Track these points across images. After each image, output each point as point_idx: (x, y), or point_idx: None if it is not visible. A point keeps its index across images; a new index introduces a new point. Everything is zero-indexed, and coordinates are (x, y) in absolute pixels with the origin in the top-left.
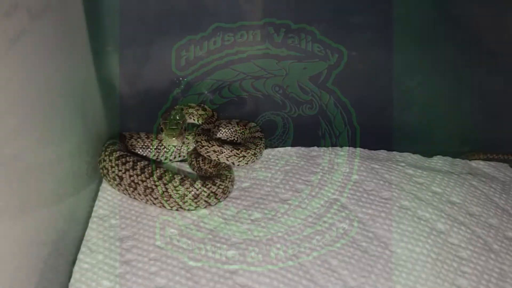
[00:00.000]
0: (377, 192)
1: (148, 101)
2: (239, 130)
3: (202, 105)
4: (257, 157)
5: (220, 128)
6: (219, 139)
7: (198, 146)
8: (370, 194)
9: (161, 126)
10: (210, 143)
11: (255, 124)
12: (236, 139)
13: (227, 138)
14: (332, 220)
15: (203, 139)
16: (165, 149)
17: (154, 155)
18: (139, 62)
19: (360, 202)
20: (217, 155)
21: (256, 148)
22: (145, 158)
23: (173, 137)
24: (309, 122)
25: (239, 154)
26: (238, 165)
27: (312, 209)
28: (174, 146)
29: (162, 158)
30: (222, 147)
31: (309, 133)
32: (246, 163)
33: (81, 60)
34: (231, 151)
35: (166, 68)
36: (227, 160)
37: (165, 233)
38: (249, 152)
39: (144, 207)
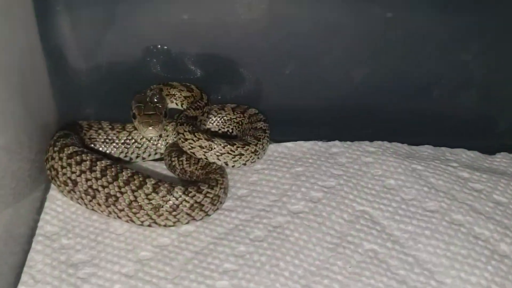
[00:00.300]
0: (419, 202)
1: (112, 78)
2: (235, 118)
3: (188, 84)
4: (259, 156)
5: (210, 115)
6: (208, 131)
7: (180, 139)
8: (410, 205)
9: (133, 111)
10: (195, 136)
11: (257, 111)
12: (231, 130)
13: (219, 130)
14: (359, 239)
15: (187, 130)
16: (136, 143)
17: (121, 152)
18: (99, 26)
19: (397, 216)
20: (205, 152)
21: (257, 143)
22: (108, 156)
23: (150, 125)
24: (331, 108)
25: (234, 152)
26: (233, 166)
27: (332, 224)
28: (150, 139)
29: (132, 156)
30: (212, 141)
31: (330, 123)
32: (244, 164)
33: (20, 23)
34: (223, 147)
35: (137, 32)
36: (218, 159)
37: (135, 257)
38: (248, 149)
39: (107, 222)
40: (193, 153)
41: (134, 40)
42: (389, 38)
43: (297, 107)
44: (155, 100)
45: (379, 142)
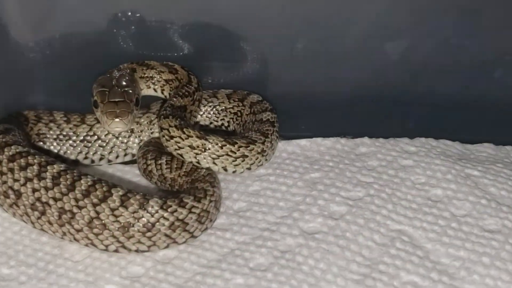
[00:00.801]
0: (475, 219)
1: (68, 56)
2: (232, 108)
3: (170, 64)
4: (267, 157)
5: (201, 105)
6: (197, 126)
7: (163, 137)
8: (462, 223)
9: (94, 98)
10: (184, 133)
11: (260, 98)
12: (226, 124)
13: (210, 123)
14: (395, 268)
15: (173, 124)
16: (99, 141)
17: (80, 153)
18: None
19: (445, 237)
20: (196, 154)
21: (265, 140)
22: (62, 158)
23: (116, 116)
24: (358, 95)
25: (235, 153)
26: (234, 171)
27: (359, 249)
28: (118, 135)
29: (94, 158)
30: (206, 139)
31: (357, 113)
32: (249, 168)
33: None
34: (221, 147)
35: None
36: (214, 163)
37: None
38: (253, 149)
39: (60, 245)
40: (181, 155)
41: (98, 4)
42: None
43: (312, 94)
44: (124, 83)
45: (422, 140)
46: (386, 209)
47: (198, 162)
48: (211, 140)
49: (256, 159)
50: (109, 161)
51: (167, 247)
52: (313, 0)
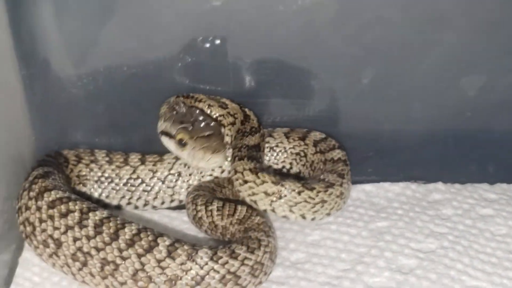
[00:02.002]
0: None
1: (112, 91)
2: (293, 148)
3: (218, 98)
4: (345, 200)
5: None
6: (270, 168)
7: (237, 180)
8: None
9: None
10: (259, 177)
11: (324, 136)
12: (288, 167)
13: (268, 167)
14: None
15: (249, 167)
16: (143, 184)
17: (123, 197)
18: (94, 17)
19: None
20: (272, 201)
21: (342, 182)
22: (103, 202)
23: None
24: (431, 135)
25: (314, 198)
26: (313, 219)
27: None
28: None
29: (138, 204)
30: (282, 185)
31: (430, 156)
32: (328, 214)
33: None
34: (298, 193)
35: (148, 26)
36: (291, 211)
37: None
38: (332, 193)
39: None
40: (255, 201)
41: (144, 36)
42: None
43: (380, 133)
44: (201, 117)
45: (504, 186)
46: (461, 263)
47: (273, 210)
48: (287, 186)
49: (335, 203)
50: (154, 207)
51: None
52: (381, 28)
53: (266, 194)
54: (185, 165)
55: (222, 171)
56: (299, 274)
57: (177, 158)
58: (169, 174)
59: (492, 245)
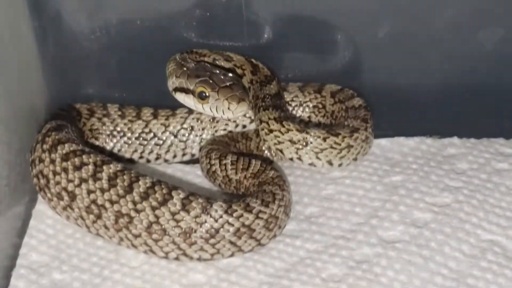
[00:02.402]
0: None
1: (125, 44)
2: (309, 101)
3: (222, 52)
4: (370, 145)
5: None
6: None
7: (263, 130)
8: None
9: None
10: (284, 125)
11: (340, 87)
12: (306, 120)
13: None
14: (485, 282)
15: (274, 117)
16: (156, 138)
17: (135, 151)
18: None
19: None
20: (297, 149)
21: (367, 126)
22: (115, 155)
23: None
24: (447, 89)
25: (340, 144)
26: (340, 164)
27: (445, 260)
28: (183, 132)
29: (150, 157)
30: (307, 132)
31: (446, 110)
32: (355, 159)
33: None
34: (324, 140)
35: None
36: (318, 157)
37: None
38: (357, 137)
39: (116, 250)
40: (281, 150)
41: None
42: None
43: (395, 87)
44: (216, 69)
45: None
46: (476, 217)
47: (299, 158)
48: (312, 133)
49: (361, 148)
50: (166, 160)
51: (232, 255)
52: None
53: (292, 142)
54: (197, 119)
55: (236, 126)
56: (313, 228)
57: (190, 113)
58: (182, 128)
59: (507, 199)
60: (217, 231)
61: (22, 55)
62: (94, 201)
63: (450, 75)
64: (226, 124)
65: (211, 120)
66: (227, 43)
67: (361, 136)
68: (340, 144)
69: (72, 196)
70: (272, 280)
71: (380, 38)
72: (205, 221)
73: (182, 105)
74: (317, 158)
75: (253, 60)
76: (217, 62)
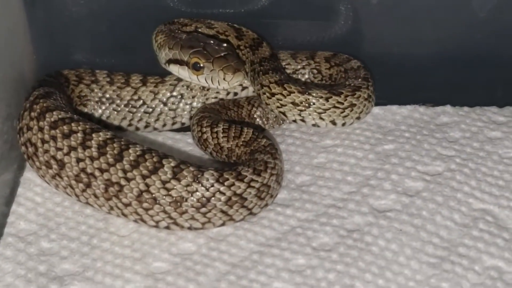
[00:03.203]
0: None
1: (114, 8)
2: (302, 68)
3: (202, 19)
4: (373, 103)
5: None
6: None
7: (264, 94)
8: None
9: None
10: (286, 88)
11: (332, 53)
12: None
13: None
14: (477, 251)
15: (275, 80)
16: (145, 106)
17: (124, 118)
18: None
19: None
20: (300, 111)
21: (368, 85)
22: (104, 122)
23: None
24: (439, 57)
25: (343, 103)
26: (344, 124)
27: (436, 229)
28: (172, 99)
29: (139, 125)
30: (309, 93)
31: (438, 78)
32: (358, 118)
33: None
34: (326, 100)
35: None
36: (321, 118)
37: (145, 269)
38: (360, 96)
39: (105, 218)
40: (283, 113)
41: None
42: None
43: (387, 55)
44: (209, 40)
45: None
46: (468, 186)
47: (303, 120)
48: (314, 94)
49: (364, 107)
50: (155, 129)
51: (223, 224)
52: None
53: (294, 104)
54: (187, 87)
55: (228, 94)
56: (304, 197)
57: (179, 80)
58: (171, 96)
59: (500, 167)
60: (208, 200)
61: (10, 21)
62: (83, 170)
63: (443, 44)
64: (217, 92)
65: (202, 88)
66: (220, 10)
67: (363, 94)
68: (343, 103)
69: (61, 165)
70: (263, 249)
71: (373, 6)
72: (196, 190)
73: (171, 73)
74: (321, 118)
75: (235, 25)
76: (199, 30)
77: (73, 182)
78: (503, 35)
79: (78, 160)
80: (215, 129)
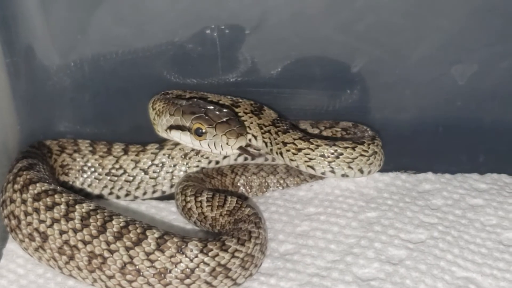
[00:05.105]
0: None
1: (99, 81)
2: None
3: (204, 94)
4: (382, 159)
5: None
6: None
7: (288, 151)
8: None
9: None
10: (313, 143)
11: (336, 121)
12: None
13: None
14: None
15: (299, 136)
16: (126, 174)
17: (105, 186)
18: (82, 4)
19: None
20: (330, 162)
21: (375, 141)
22: (84, 191)
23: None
24: (421, 124)
25: (367, 151)
26: (370, 172)
27: None
28: (154, 168)
29: (120, 194)
30: (336, 145)
31: (420, 145)
32: (379, 165)
33: None
34: (353, 149)
35: (138, 12)
36: (350, 167)
37: None
38: (377, 144)
39: None
40: (312, 167)
41: (133, 24)
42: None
43: (369, 122)
44: (210, 105)
45: (494, 176)
46: (451, 254)
47: (332, 171)
48: (341, 145)
49: (382, 154)
50: (136, 197)
51: None
52: (372, 15)
53: (323, 156)
54: (169, 155)
55: (209, 162)
56: (288, 266)
57: (160, 149)
58: (152, 164)
59: (482, 235)
60: (192, 271)
61: None
62: (66, 242)
63: (424, 111)
64: (199, 161)
65: (183, 156)
66: (202, 78)
67: (379, 142)
68: (367, 151)
69: (44, 237)
70: None
71: (354, 73)
72: (180, 261)
73: (153, 141)
74: (349, 167)
75: (228, 96)
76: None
77: (56, 254)
78: (483, 102)
79: (61, 232)
80: (199, 198)
